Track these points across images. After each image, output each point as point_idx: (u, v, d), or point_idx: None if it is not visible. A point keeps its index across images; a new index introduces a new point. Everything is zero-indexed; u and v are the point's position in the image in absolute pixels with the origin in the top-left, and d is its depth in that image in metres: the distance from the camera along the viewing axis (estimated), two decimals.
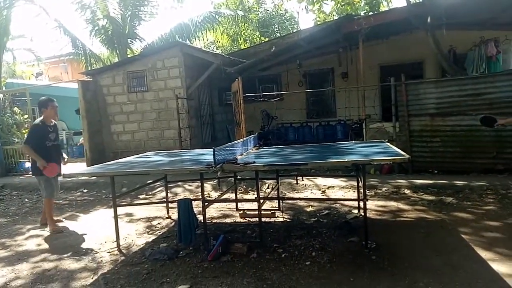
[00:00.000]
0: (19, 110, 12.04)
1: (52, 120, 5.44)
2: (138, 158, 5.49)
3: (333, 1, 14.92)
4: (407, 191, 5.95)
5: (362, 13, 14.16)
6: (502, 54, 9.18)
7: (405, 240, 3.96)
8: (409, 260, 3.44)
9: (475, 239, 3.84)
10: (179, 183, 7.49)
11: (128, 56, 13.16)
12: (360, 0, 15.25)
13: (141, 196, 7.15)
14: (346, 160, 3.75)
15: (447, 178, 6.30)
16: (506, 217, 4.42)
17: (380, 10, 14.76)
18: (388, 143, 4.70)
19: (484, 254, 3.45)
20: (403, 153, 3.73)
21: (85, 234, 5.00)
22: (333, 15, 16.00)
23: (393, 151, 4.02)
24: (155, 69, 9.87)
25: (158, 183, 6.65)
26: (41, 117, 5.37)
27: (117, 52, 13.82)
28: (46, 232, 5.21)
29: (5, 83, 13.40)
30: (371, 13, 12.81)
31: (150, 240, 4.60)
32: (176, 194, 7.00)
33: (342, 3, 12.78)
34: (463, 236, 3.95)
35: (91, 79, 10.55)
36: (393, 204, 5.40)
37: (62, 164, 5.51)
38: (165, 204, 5.76)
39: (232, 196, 5.85)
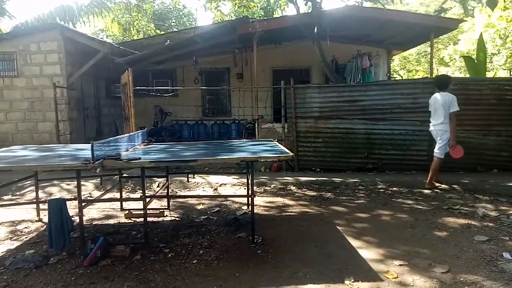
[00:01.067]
0: None
1: None
2: (0, 152, 4.69)
3: (231, 2, 15.16)
4: (293, 188, 6.33)
5: (257, 18, 14.69)
6: (373, 67, 10.51)
7: (288, 233, 4.18)
8: (291, 252, 3.63)
9: (347, 229, 4.26)
10: (55, 182, 6.66)
11: None
12: (256, 5, 15.80)
13: (5, 197, 6.15)
14: (235, 157, 3.79)
15: (328, 176, 6.91)
16: (373, 209, 5.02)
17: (274, 16, 15.52)
18: (276, 142, 4.92)
19: (354, 242, 3.84)
20: (287, 151, 3.94)
21: None
22: (231, 16, 16.26)
23: (279, 149, 4.21)
24: (29, 52, 8.65)
25: (28, 181, 5.83)
26: None
27: None
28: None
29: None
30: (265, 18, 13.38)
31: (13, 247, 3.97)
32: (50, 194, 6.22)
33: (239, 5, 13.06)
34: (338, 227, 4.35)
35: None
36: (280, 200, 5.68)
37: None
38: (35, 206, 5.05)
39: (117, 195, 5.44)
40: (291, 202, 5.52)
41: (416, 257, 3.45)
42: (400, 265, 3.31)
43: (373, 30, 10.13)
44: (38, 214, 4.96)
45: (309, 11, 11.44)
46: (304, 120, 7.73)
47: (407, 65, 24.10)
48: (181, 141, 7.40)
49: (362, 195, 5.83)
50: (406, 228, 4.28)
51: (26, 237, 4.28)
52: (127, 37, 17.59)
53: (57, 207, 3.58)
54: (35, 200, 5.16)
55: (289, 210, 5.14)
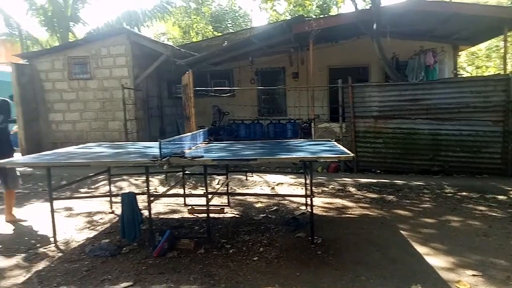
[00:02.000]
0: None
1: None
2: (79, 149, 5.14)
3: (286, 1, 15.17)
4: (352, 189, 6.20)
5: (313, 16, 14.54)
6: (438, 64, 9.91)
7: (349, 235, 4.12)
8: (352, 255, 3.57)
9: (412, 234, 4.09)
10: (124, 177, 7.17)
11: (70, 40, 12.33)
12: (311, 3, 15.64)
13: (82, 190, 6.74)
14: (294, 156, 3.81)
15: (389, 178, 6.67)
16: (441, 215, 4.77)
17: (330, 14, 15.25)
18: (335, 142, 4.85)
19: (420, 249, 3.68)
20: (348, 151, 3.87)
21: (18, 230, 4.60)
22: (286, 16, 16.26)
23: (339, 149, 4.16)
24: (100, 56, 9.35)
25: (101, 176, 6.31)
26: None
27: (58, 35, 12.89)
28: None
29: None
30: (321, 16, 13.20)
31: (91, 235, 4.35)
32: (120, 188, 6.69)
33: (294, 4, 13.01)
34: (401, 232, 4.19)
35: (27, 63, 9.73)
36: (338, 201, 5.60)
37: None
38: (108, 198, 5.47)
39: (180, 191, 5.71)
40: (350, 204, 5.42)
41: (491, 268, 3.23)
42: (474, 275, 3.11)
43: (437, 24, 9.54)
44: (111, 207, 5.36)
45: (367, 7, 11.10)
46: (363, 120, 7.53)
47: (475, 61, 22.38)
48: (238, 141, 7.55)
49: (428, 199, 5.55)
50: (479, 236, 4.01)
51: (101, 227, 4.65)
52: (186, 39, 18.30)
53: (129, 200, 3.86)
54: (108, 193, 5.61)
55: (349, 212, 5.05)
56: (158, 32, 19.72)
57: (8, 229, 4.70)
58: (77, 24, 13.24)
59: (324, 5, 15.14)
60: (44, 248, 3.96)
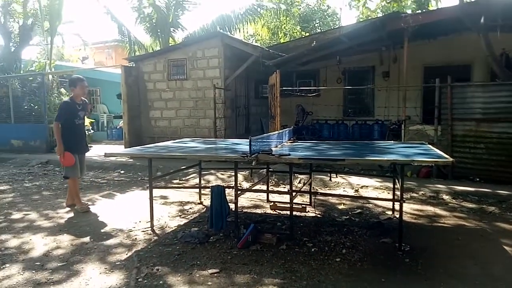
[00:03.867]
0: (65, 91, 12.63)
1: (81, 98, 5.40)
2: (175, 143, 5.61)
3: None
4: (445, 197, 5.71)
5: (408, 11, 13.66)
6: None
7: (441, 246, 3.82)
8: (445, 267, 3.31)
9: None
10: (212, 171, 7.61)
11: (170, 44, 13.46)
12: None
13: (174, 181, 7.33)
14: (385, 159, 3.66)
15: (490, 187, 6.00)
16: None
17: (428, 9, 14.17)
18: (430, 146, 4.53)
19: None
20: (446, 156, 3.59)
21: (121, 212, 5.19)
22: (377, 13, 15.54)
23: (435, 153, 3.87)
24: (195, 58, 10.03)
25: (192, 169, 6.78)
26: (71, 95, 5.41)
27: (160, 40, 14.17)
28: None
29: (54, 65, 14.11)
30: (419, 11, 12.34)
31: (182, 223, 4.71)
32: (208, 182, 7.11)
33: (388, 0, 12.37)
34: (505, 247, 3.75)
35: (133, 65, 10.89)
36: (429, 208, 5.21)
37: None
38: (197, 190, 5.87)
39: (264, 187, 5.86)
40: (443, 213, 5.01)
41: None
42: None
43: None
44: (200, 198, 5.75)
45: None
46: (462, 123, 6.87)
47: None
48: (322, 141, 7.47)
49: None
50: None
51: (191, 216, 5.01)
52: (274, 40, 18.65)
53: (218, 193, 4.10)
54: (197, 185, 6.01)
55: (441, 221, 4.67)
56: (247, 34, 20.37)
57: (114, 211, 5.33)
58: (177, 29, 14.40)
59: (423, 0, 14.12)
60: (142, 231, 4.40)
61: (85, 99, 5.55)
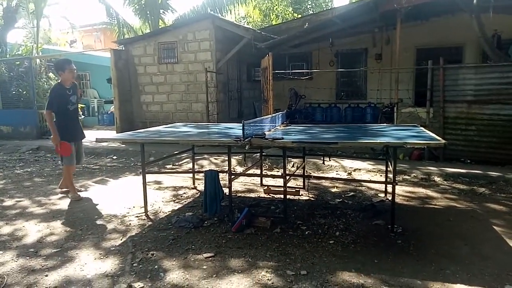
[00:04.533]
0: (54, 76, 12.37)
1: (71, 82, 5.14)
2: (167, 128, 5.57)
3: None
4: (437, 179, 5.79)
5: None
6: None
7: (432, 227, 3.88)
8: (436, 247, 3.37)
9: (508, 231, 3.71)
10: (205, 155, 7.59)
11: (160, 27, 13.20)
12: None
13: (168, 166, 7.30)
14: (378, 141, 3.66)
15: (481, 168, 6.08)
16: None
17: None
18: (423, 128, 4.55)
19: None
20: (439, 138, 3.61)
21: (115, 198, 5.18)
22: None
23: (427, 135, 3.89)
24: (186, 41, 9.85)
25: (185, 154, 6.73)
26: (59, 80, 5.16)
27: (149, 22, 13.88)
28: (79, 193, 5.39)
29: (41, 49, 13.78)
30: None
31: (176, 208, 4.71)
32: (202, 166, 7.10)
33: None
34: (495, 227, 3.83)
35: (123, 49, 10.68)
36: (421, 190, 5.28)
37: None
38: (191, 175, 5.86)
39: (257, 171, 5.87)
40: (435, 194, 5.08)
41: None
42: None
43: None
44: (194, 183, 5.74)
45: None
46: (454, 105, 6.91)
47: None
48: (314, 124, 7.46)
49: None
50: None
51: (185, 201, 5.01)
52: (266, 23, 18.40)
53: (212, 177, 4.10)
54: (191, 170, 6.00)
55: (433, 203, 4.74)
56: (239, 16, 20.04)
57: (107, 196, 5.30)
58: (167, 11, 14.09)
59: None
60: (136, 217, 4.39)
61: (75, 81, 5.31)
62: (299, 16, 17.09)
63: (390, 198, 4.69)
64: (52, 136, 5.08)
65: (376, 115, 10.33)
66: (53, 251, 3.49)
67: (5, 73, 11.70)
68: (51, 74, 12.38)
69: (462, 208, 4.48)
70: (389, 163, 4.79)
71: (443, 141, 3.36)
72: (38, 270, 3.11)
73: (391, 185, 3.79)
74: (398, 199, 4.80)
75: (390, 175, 4.87)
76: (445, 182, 5.67)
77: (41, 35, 15.14)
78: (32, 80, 11.05)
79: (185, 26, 10.03)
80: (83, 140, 5.52)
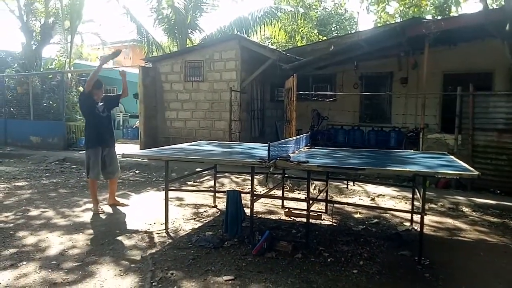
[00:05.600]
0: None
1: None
2: (191, 145, 5.61)
3: (398, 3, 14.31)
4: (465, 209, 5.57)
5: (429, 17, 13.43)
6: None
7: (462, 261, 3.70)
8: (467, 284, 3.20)
9: None
10: (226, 174, 7.58)
11: (187, 46, 13.53)
12: (427, 3, 14.46)
13: (189, 183, 7.33)
14: (408, 169, 3.55)
15: None
16: None
17: (450, 15, 13.92)
18: (453, 157, 4.40)
19: None
20: (471, 168, 3.48)
21: (136, 213, 5.20)
22: (395, 18, 15.35)
23: (459, 165, 3.76)
24: (212, 60, 10.04)
25: (206, 172, 6.76)
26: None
27: (177, 41, 14.25)
28: (101, 206, 5.45)
29: (73, 64, 14.34)
30: (439, 17, 12.12)
31: (196, 226, 4.69)
32: (222, 185, 7.09)
33: (408, 5, 12.17)
34: None
35: (151, 66, 10.97)
36: (449, 221, 5.08)
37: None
38: (212, 193, 5.85)
39: (278, 193, 5.81)
40: (463, 226, 4.87)
41: None
42: None
43: None
44: (214, 201, 5.72)
45: (494, 5, 9.85)
46: (483, 133, 6.70)
47: None
48: (337, 147, 7.35)
49: None
50: None
51: (205, 220, 4.99)
52: (290, 44, 18.60)
53: (234, 197, 4.08)
54: (212, 188, 5.99)
55: (462, 235, 4.54)
56: (264, 37, 20.37)
57: (129, 211, 5.34)
58: (195, 31, 14.47)
59: (444, 5, 13.83)
60: (157, 233, 4.39)
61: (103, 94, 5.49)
62: (324, 38, 17.21)
63: (416, 228, 4.56)
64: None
65: (400, 140, 10.12)
66: (74, 264, 3.51)
67: (38, 86, 12.20)
68: (81, 88, 12.79)
69: (494, 242, 4.27)
70: (416, 191, 4.65)
71: (477, 173, 3.22)
72: (59, 284, 3.13)
73: (418, 215, 3.66)
74: (425, 229, 4.60)
75: (416, 203, 4.73)
76: (474, 213, 5.44)
77: (74, 50, 15.78)
78: (62, 93, 11.46)
79: (211, 46, 10.25)
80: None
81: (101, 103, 5.35)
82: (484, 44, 9.32)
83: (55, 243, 4.05)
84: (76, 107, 12.20)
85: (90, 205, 5.48)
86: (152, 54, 14.08)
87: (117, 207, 5.49)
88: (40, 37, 14.09)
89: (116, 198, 5.69)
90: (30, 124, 12.04)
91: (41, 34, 14.03)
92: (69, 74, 12.62)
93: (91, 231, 4.47)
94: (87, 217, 5.02)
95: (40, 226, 4.61)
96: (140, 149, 9.73)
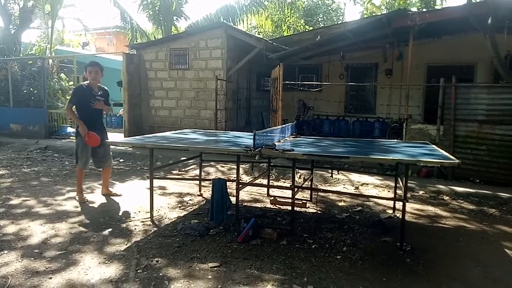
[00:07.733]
0: (65, 77, 12.49)
1: (99, 85, 5.18)
2: (176, 134, 5.56)
3: None
4: (446, 197, 5.71)
5: (414, 9, 13.54)
6: None
7: (442, 247, 3.81)
8: (446, 268, 3.30)
9: None
10: (212, 163, 7.56)
11: (173, 33, 13.31)
12: None
13: (174, 172, 7.28)
14: (391, 158, 3.61)
15: (490, 189, 5.99)
16: None
17: (435, 8, 14.06)
18: (435, 146, 4.50)
19: None
20: (452, 157, 3.56)
21: (120, 202, 5.16)
22: (381, 9, 15.42)
23: (440, 154, 3.84)
24: (198, 48, 9.91)
25: (192, 160, 6.73)
26: (87, 81, 5.19)
27: (162, 28, 14.01)
28: (85, 194, 5.37)
29: (54, 50, 13.95)
30: (424, 10, 12.23)
31: (181, 215, 4.68)
32: (208, 174, 7.08)
33: None
34: (506, 250, 3.75)
35: (135, 53, 10.76)
36: (430, 208, 5.21)
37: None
38: (197, 182, 5.83)
39: (264, 181, 5.83)
40: (444, 213, 5.00)
41: None
42: None
43: None
44: (200, 190, 5.71)
45: None
46: (464, 124, 6.85)
47: None
48: (322, 136, 7.42)
49: None
50: None
51: (191, 208, 4.98)
52: (277, 33, 18.49)
53: (220, 186, 4.07)
54: (197, 177, 5.97)
55: (442, 222, 4.66)
56: (250, 26, 20.21)
57: (113, 200, 5.29)
58: (180, 18, 14.24)
59: None
60: (142, 222, 4.36)
61: (105, 87, 5.30)
62: (311, 28, 17.17)
63: (398, 215, 4.66)
64: (79, 128, 5.00)
65: (384, 130, 10.28)
66: (57, 253, 3.46)
67: (17, 72, 11.83)
68: (62, 75, 12.50)
69: (472, 229, 4.40)
70: (398, 180, 4.74)
71: (457, 161, 3.30)
72: (42, 272, 3.09)
73: (400, 202, 3.74)
74: (406, 217, 4.70)
75: (399, 191, 4.83)
76: (454, 201, 5.59)
77: (55, 36, 15.32)
78: (43, 79, 11.15)
79: (197, 34, 10.11)
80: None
81: (100, 97, 5.13)
82: (467, 38, 9.48)
83: (37, 232, 3.98)
84: (58, 94, 11.91)
85: (73, 194, 5.40)
86: (136, 41, 13.82)
87: (111, 197, 5.41)
88: (19, 21, 13.62)
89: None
90: (10, 111, 11.70)
91: (20, 18, 13.56)
92: (50, 60, 12.26)
93: (74, 219, 4.41)
94: (70, 205, 4.95)
95: (21, 214, 4.53)
96: (124, 137, 9.58)
